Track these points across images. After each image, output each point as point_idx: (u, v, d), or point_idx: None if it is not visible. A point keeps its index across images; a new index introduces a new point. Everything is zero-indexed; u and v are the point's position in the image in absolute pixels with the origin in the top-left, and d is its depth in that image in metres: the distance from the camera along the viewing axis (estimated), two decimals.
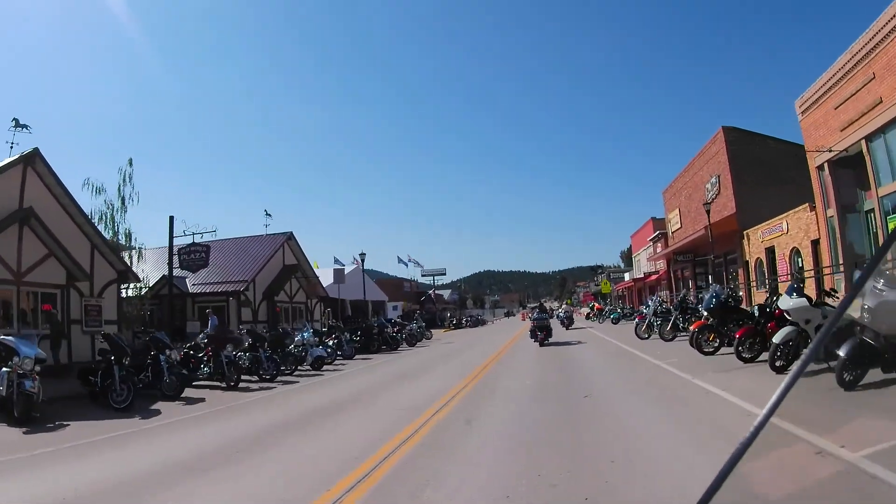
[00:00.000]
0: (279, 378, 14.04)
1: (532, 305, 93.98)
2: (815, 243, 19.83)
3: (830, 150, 18.21)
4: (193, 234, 23.46)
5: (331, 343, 18.79)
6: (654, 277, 44.48)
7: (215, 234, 23.72)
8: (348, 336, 20.76)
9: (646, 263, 48.86)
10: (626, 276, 62.15)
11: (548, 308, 31.64)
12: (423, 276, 66.16)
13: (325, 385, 12.93)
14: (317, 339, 17.60)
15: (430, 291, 60.71)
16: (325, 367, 16.55)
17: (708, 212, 25.62)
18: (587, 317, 40.22)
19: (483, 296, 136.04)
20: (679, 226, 36.32)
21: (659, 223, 42.88)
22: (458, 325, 49.37)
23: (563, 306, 46.16)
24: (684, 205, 35.37)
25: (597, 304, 42.18)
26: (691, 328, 13.58)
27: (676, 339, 16.46)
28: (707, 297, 12.69)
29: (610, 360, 13.38)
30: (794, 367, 1.00)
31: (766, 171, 26.54)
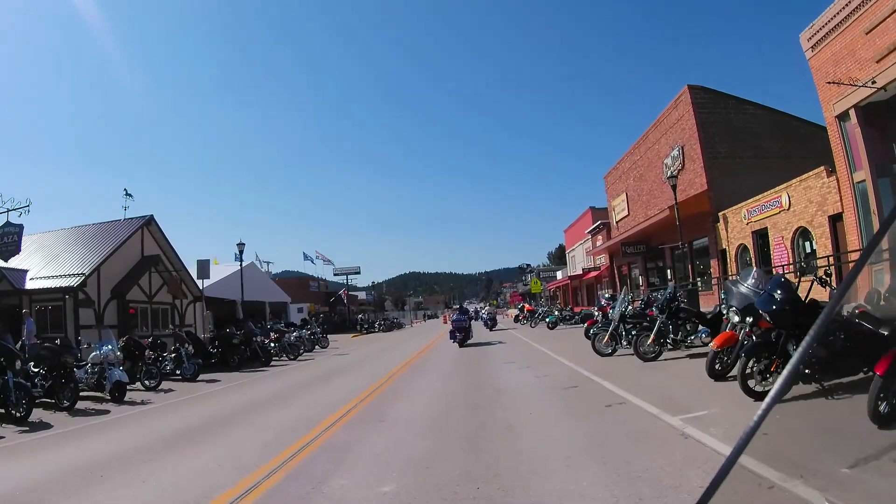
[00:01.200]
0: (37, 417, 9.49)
1: (456, 307, 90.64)
2: (836, 219, 13.91)
3: (869, 85, 12.33)
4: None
5: (168, 358, 15.05)
6: (593, 275, 38.87)
7: (28, 210, 19.17)
8: (189, 348, 15.68)
9: (583, 259, 43.24)
10: (559, 275, 56.58)
11: (470, 310, 33.47)
12: (335, 274, 59.51)
13: (66, 442, 7.68)
14: (120, 355, 12.52)
15: (341, 292, 52.18)
16: (157, 392, 12.53)
17: (674, 186, 19.64)
18: (516, 319, 34.84)
19: (405, 297, 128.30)
20: (626, 213, 31.18)
21: (600, 213, 37.78)
22: (370, 330, 42.70)
23: (487, 308, 45.15)
24: (633, 187, 29.87)
25: (527, 305, 35.64)
26: (712, 345, 7.91)
27: (663, 357, 10.79)
28: (766, 293, 6.59)
29: (572, 422, 6.44)
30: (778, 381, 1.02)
31: (744, 141, 20.90)
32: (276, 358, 19.05)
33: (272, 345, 19.54)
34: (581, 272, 43.28)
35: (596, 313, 16.28)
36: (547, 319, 26.06)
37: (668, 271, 24.35)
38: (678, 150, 23.20)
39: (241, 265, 24.96)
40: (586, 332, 14.88)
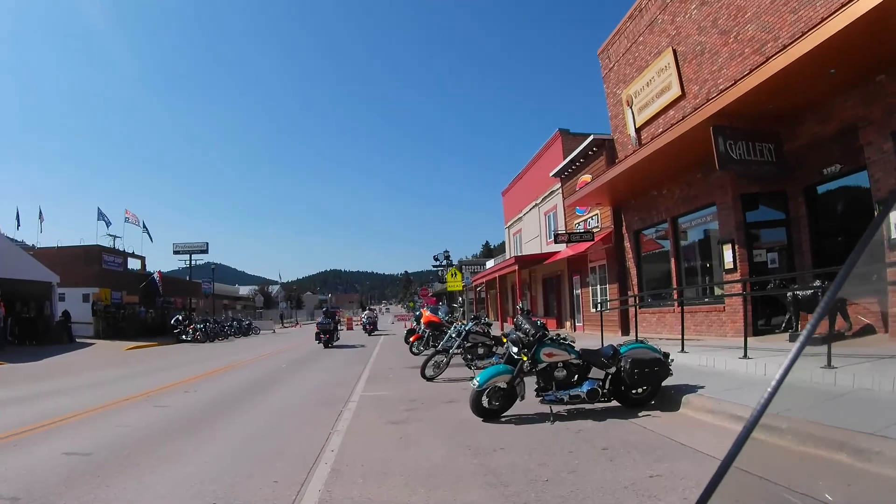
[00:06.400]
0: None
1: (373, 307, 74.10)
2: None
3: None
4: None
5: None
6: (577, 251, 20.19)
7: None
8: None
9: (543, 229, 24.56)
10: (491, 264, 37.82)
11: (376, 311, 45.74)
12: (175, 252, 45.85)
13: None
14: None
15: (154, 274, 37.64)
16: None
17: None
18: (406, 339, 18.58)
19: (300, 294, 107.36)
20: (677, 91, 14.23)
21: (574, 141, 22.56)
22: (180, 337, 29.47)
23: (366, 312, 40.75)
24: (692, 40, 10.74)
25: (426, 313, 17.59)
26: None
27: None
28: None
29: None
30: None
31: None
32: None
33: None
34: (541, 253, 24.65)
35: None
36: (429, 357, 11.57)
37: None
38: None
39: None
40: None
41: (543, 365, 6.65)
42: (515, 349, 6.82)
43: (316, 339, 22.27)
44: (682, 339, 10.46)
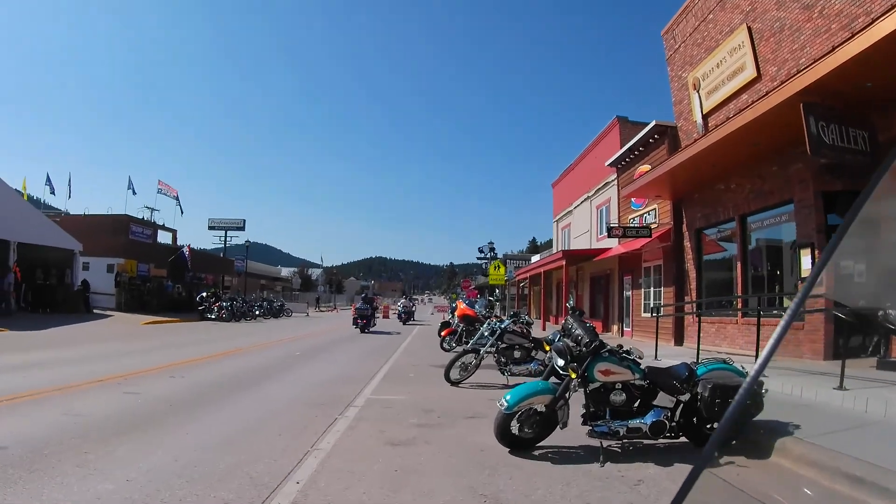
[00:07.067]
0: None
1: (414, 297, 73.56)
2: None
3: None
4: None
5: None
6: (630, 248, 18.50)
7: None
8: None
9: (594, 221, 22.85)
10: (536, 258, 36.11)
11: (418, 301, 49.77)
12: (210, 228, 45.20)
13: None
14: None
15: (184, 248, 35.79)
16: None
17: None
18: (439, 332, 15.96)
19: (342, 279, 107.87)
20: (751, 72, 12.86)
21: (632, 129, 20.82)
22: (205, 315, 27.61)
23: (402, 301, 39.54)
24: (771, 17, 8.98)
25: (461, 305, 15.40)
26: None
27: None
28: None
29: None
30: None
31: None
32: None
33: None
34: (590, 249, 22.95)
35: None
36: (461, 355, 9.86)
37: None
38: None
39: None
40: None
41: (597, 385, 5.05)
42: (561, 361, 5.19)
43: (353, 324, 22.73)
44: (757, 358, 8.47)
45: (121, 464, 4.29)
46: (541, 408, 5.07)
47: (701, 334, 13.57)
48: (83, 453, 4.51)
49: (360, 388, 8.39)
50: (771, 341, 0.99)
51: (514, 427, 5.05)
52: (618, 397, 5.04)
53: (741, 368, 5.46)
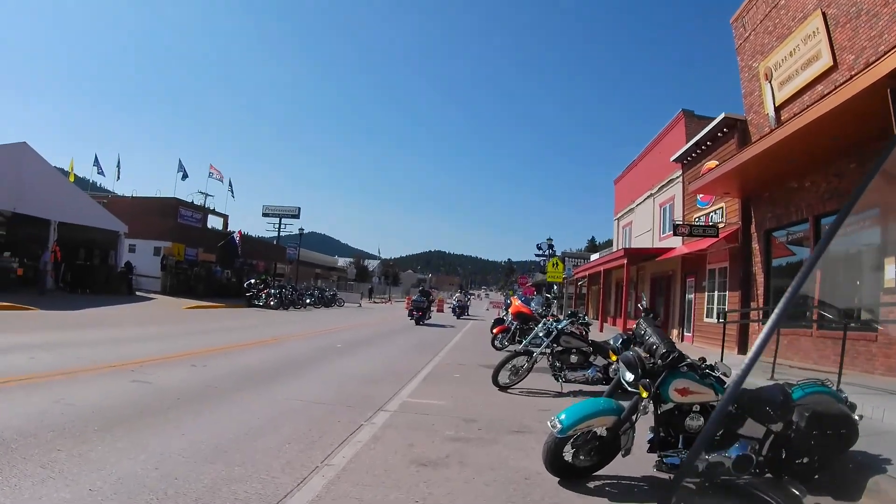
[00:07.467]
0: None
1: (470, 292, 73.71)
2: None
3: None
4: None
5: None
6: (694, 248, 17.56)
7: None
8: None
9: (656, 220, 21.77)
10: (595, 257, 35.09)
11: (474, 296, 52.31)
12: (265, 215, 44.72)
13: None
14: None
15: (235, 234, 36.28)
16: None
17: None
18: (492, 329, 15.44)
19: (407, 271, 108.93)
20: (827, 61, 11.81)
21: (698, 124, 19.78)
22: (253, 301, 27.14)
23: (457, 295, 40.96)
24: None
25: (516, 302, 15.18)
26: None
27: None
28: None
29: None
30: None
31: None
32: None
33: None
34: (653, 248, 22.96)
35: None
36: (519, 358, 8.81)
37: None
38: None
39: None
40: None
41: (670, 406, 4.12)
42: (630, 376, 4.24)
43: (409, 316, 23.48)
44: (840, 377, 7.07)
45: (92, 467, 3.71)
46: (601, 431, 4.21)
47: (769, 345, 12.54)
48: (55, 451, 3.95)
49: (397, 389, 7.62)
50: (758, 342, 0.96)
51: (568, 453, 4.20)
52: (695, 422, 4.11)
53: (840, 393, 4.47)
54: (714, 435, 3.98)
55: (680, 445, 4.11)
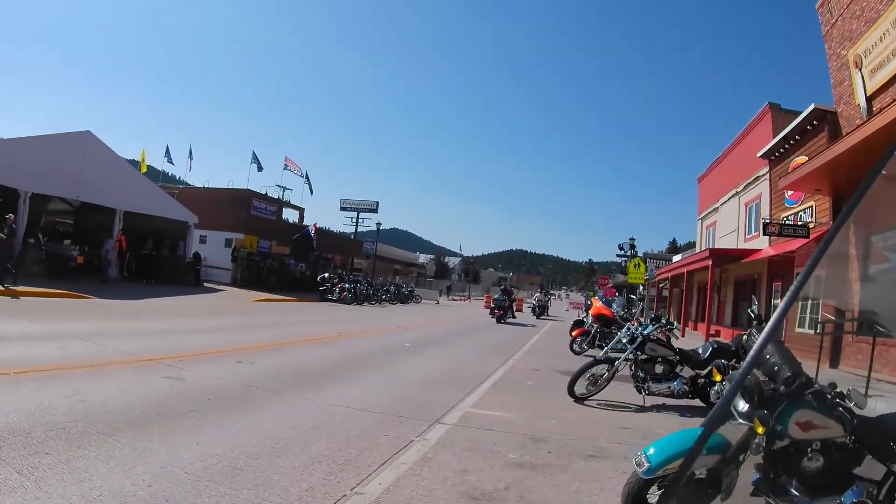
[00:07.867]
0: None
1: (550, 291, 72.84)
2: None
3: None
4: None
5: None
6: (782, 249, 16.81)
7: None
8: None
9: (742, 222, 21.06)
10: (678, 258, 34.02)
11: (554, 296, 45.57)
12: (342, 208, 45.36)
13: None
14: None
15: (311, 227, 35.69)
16: None
17: None
18: (571, 331, 14.22)
19: (488, 269, 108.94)
20: None
21: (786, 119, 18.71)
22: (326, 295, 26.56)
23: (537, 295, 40.57)
24: None
25: (597, 303, 14.20)
26: None
27: None
28: None
29: None
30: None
31: None
32: None
33: None
34: (738, 249, 21.81)
35: None
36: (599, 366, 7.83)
37: None
38: None
39: None
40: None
41: (785, 443, 3.11)
42: (745, 405, 3.19)
43: (490, 314, 23.72)
44: None
45: (75, 478, 3.14)
46: (700, 472, 3.20)
47: (857, 356, 11.86)
48: (42, 454, 3.42)
49: (461, 397, 6.74)
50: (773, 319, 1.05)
51: (654, 495, 3.28)
52: (814, 464, 3.09)
53: None
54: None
55: (792, 486, 3.13)
